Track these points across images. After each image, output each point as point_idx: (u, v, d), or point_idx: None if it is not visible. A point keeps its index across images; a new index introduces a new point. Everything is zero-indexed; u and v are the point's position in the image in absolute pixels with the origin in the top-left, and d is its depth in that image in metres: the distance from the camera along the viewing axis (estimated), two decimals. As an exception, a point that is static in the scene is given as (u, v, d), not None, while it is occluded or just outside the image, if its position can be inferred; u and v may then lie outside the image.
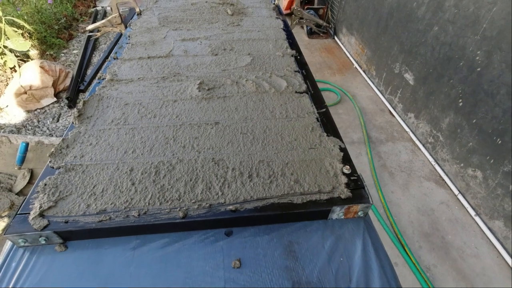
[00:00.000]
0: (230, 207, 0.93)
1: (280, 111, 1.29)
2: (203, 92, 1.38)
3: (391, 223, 2.52)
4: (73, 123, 1.22)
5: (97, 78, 1.48)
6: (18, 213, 0.91)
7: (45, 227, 0.87)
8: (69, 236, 0.90)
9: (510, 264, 2.24)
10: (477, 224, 2.53)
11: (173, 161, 1.07)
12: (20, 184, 2.22)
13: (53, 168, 1.04)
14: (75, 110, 1.25)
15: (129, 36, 1.83)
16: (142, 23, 1.98)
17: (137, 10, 2.13)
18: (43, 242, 0.88)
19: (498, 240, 2.36)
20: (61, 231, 0.87)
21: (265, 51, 1.73)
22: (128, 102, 1.33)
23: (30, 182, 2.26)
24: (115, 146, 1.12)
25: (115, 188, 0.98)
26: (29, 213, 0.90)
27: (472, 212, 2.58)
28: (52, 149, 1.09)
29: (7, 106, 3.65)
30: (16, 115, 3.62)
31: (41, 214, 0.90)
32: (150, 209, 0.92)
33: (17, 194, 2.20)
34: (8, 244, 0.93)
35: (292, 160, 1.08)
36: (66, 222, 0.89)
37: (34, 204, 0.92)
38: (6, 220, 1.95)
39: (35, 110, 3.73)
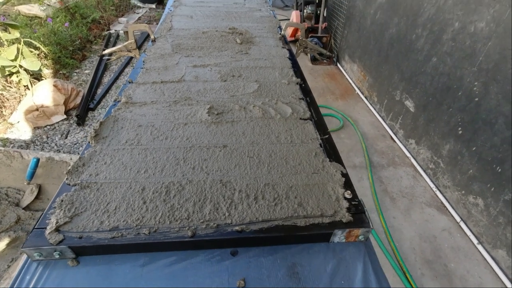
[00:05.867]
0: (236, 227, 0.97)
1: (285, 137, 1.36)
2: (212, 117, 1.46)
3: (393, 249, 2.51)
4: (89, 142, 1.29)
5: (113, 100, 1.57)
6: (35, 227, 0.96)
7: (60, 242, 0.91)
8: (82, 251, 0.94)
9: (515, 295, 2.21)
10: (480, 252, 2.52)
11: (183, 181, 1.12)
12: (27, 199, 2.27)
13: (69, 185, 1.10)
14: (91, 130, 1.32)
15: (144, 62, 1.95)
16: (156, 50, 2.11)
17: (152, 37, 2.27)
18: (57, 256, 0.92)
19: (502, 269, 2.34)
20: (75, 246, 0.91)
21: (272, 78, 1.82)
22: (141, 124, 1.40)
23: (37, 197, 2.30)
24: (128, 166, 1.18)
25: (127, 206, 1.03)
26: (45, 228, 0.95)
27: (475, 240, 2.58)
28: (69, 167, 1.15)
29: (18, 122, 3.77)
30: (26, 130, 3.73)
31: (57, 229, 0.94)
32: (160, 227, 0.97)
33: (23, 209, 2.24)
34: (23, 258, 0.98)
35: (296, 184, 1.13)
36: (80, 237, 0.93)
37: (50, 219, 0.97)
38: (12, 234, 1.98)
39: (45, 126, 3.84)
